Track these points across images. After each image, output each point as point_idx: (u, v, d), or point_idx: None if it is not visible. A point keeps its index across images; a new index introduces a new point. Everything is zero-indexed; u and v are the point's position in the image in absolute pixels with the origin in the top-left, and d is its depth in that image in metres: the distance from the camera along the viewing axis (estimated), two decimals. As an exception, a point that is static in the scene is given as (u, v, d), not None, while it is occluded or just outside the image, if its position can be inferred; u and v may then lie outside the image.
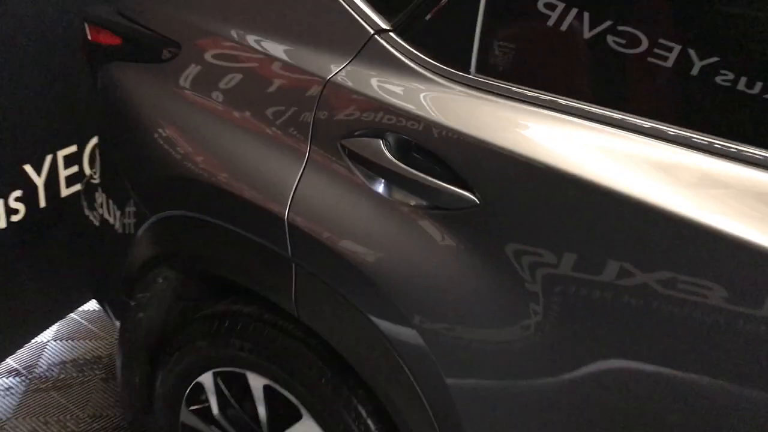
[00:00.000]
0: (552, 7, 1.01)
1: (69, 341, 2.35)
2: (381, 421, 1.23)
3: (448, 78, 1.08)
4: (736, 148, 0.89)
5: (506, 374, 1.06)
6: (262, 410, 1.39)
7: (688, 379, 0.91)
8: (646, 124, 0.94)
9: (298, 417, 1.33)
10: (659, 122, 0.94)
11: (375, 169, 1.11)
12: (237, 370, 1.39)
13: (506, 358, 1.05)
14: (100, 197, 1.67)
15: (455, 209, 1.04)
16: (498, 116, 1.03)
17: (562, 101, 1.00)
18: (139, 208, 1.49)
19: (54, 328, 2.38)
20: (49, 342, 2.34)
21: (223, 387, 1.45)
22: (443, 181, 1.04)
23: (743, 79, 0.90)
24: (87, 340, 2.36)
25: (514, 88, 1.04)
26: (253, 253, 1.25)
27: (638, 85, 1.01)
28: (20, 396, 2.11)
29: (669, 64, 0.93)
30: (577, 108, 0.99)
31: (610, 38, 0.97)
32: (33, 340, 2.29)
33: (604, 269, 0.93)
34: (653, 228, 0.90)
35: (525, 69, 1.06)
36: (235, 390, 1.45)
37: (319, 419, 1.28)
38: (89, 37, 1.57)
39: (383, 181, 1.10)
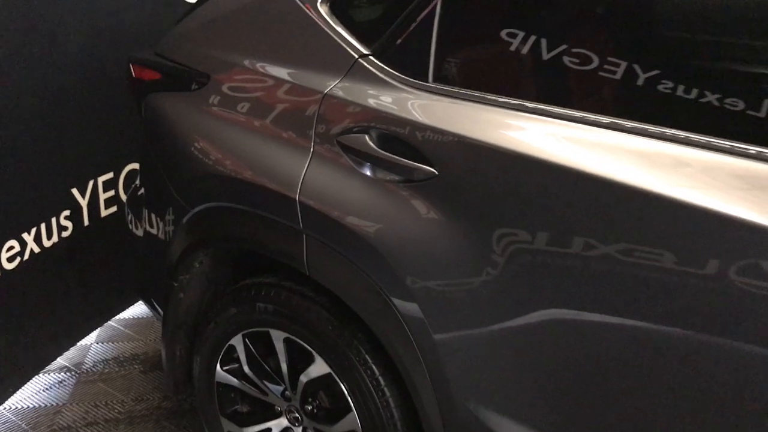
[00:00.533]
0: (482, 36, 1.42)
1: (110, 343, 2.71)
2: (378, 356, 1.59)
3: (412, 87, 1.48)
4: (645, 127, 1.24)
5: (472, 317, 1.42)
6: (282, 361, 1.76)
7: (611, 324, 1.25)
8: (553, 109, 1.33)
9: (311, 362, 1.70)
10: (567, 109, 1.32)
11: (362, 156, 1.50)
12: (262, 329, 1.76)
13: (471, 304, 1.42)
14: (144, 213, 2.07)
15: (422, 180, 1.42)
16: (448, 111, 1.42)
17: (495, 98, 1.40)
18: (177, 211, 1.88)
19: (96, 332, 2.74)
20: (92, 344, 2.70)
21: (251, 346, 1.82)
22: (411, 161, 1.43)
23: (630, 68, 1.29)
24: (125, 342, 2.73)
25: (459, 91, 1.43)
26: (272, 229, 1.63)
27: (555, 81, 1.41)
28: (72, 387, 2.47)
29: (582, 67, 1.32)
30: (503, 102, 1.38)
31: (524, 48, 1.37)
32: (79, 343, 2.66)
33: (535, 231, 1.30)
34: (572, 193, 1.26)
35: (467, 76, 1.46)
36: (261, 348, 1.82)
37: (327, 359, 1.65)
38: (134, 75, 1.98)
39: (369, 164, 1.49)
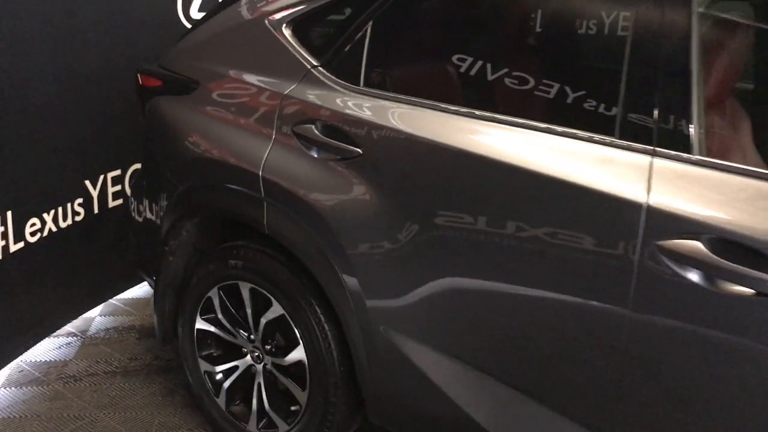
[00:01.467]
0: (397, 52, 1.94)
1: (111, 316, 3.20)
2: (320, 299, 2.07)
3: (348, 89, 1.99)
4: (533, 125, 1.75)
5: (388, 267, 1.90)
6: (248, 307, 2.25)
7: (502, 291, 1.73)
8: (448, 106, 1.83)
9: (269, 306, 2.18)
10: (459, 105, 1.82)
11: (310, 141, 2.00)
12: (233, 282, 2.25)
13: (387, 258, 1.90)
14: (144, 203, 2.58)
15: (351, 158, 1.93)
16: (371, 107, 1.93)
17: (407, 97, 1.90)
18: (170, 192, 2.38)
19: (100, 307, 3.23)
20: (96, 316, 3.19)
21: (224, 297, 2.30)
22: (343, 142, 1.93)
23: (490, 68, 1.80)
24: (125, 316, 3.21)
25: (381, 93, 1.94)
26: (241, 198, 2.13)
27: (448, 84, 1.92)
28: (77, 348, 2.95)
29: (468, 72, 1.83)
30: (413, 100, 1.89)
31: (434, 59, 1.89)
32: (84, 314, 3.14)
33: (434, 203, 1.79)
34: (463, 172, 1.74)
35: (387, 82, 1.98)
36: (232, 301, 2.30)
37: (282, 303, 2.14)
38: (140, 82, 2.51)
39: (315, 148, 2.00)
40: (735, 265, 1.40)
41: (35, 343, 2.90)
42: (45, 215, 2.81)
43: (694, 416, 1.52)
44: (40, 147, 2.73)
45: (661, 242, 1.48)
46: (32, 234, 2.75)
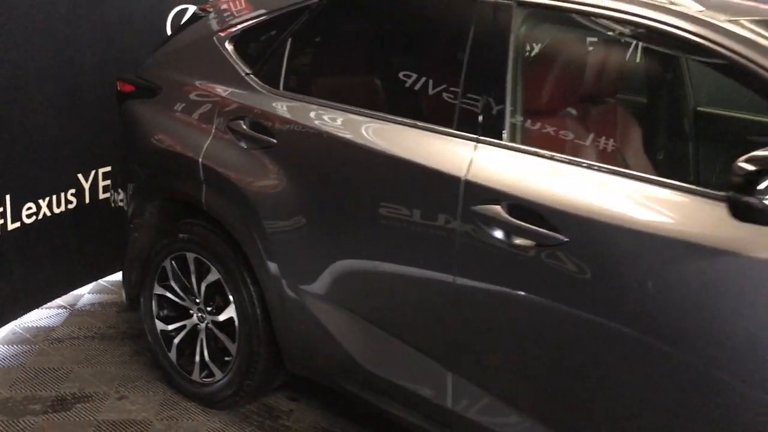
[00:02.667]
0: (309, 63, 2.45)
1: (98, 294, 3.73)
2: (247, 268, 2.56)
3: (271, 92, 2.50)
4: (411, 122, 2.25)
5: (295, 236, 2.39)
6: (192, 273, 2.75)
7: (374, 257, 2.21)
8: (345, 105, 2.33)
9: (209, 272, 2.68)
10: (351, 105, 2.31)
11: (240, 134, 2.51)
12: (182, 253, 2.76)
13: (298, 235, 2.39)
14: (122, 193, 3.11)
15: (270, 147, 2.43)
16: (286, 106, 2.44)
17: (315, 99, 2.41)
18: (137, 181, 2.91)
19: (89, 286, 3.76)
20: (85, 294, 3.72)
21: (175, 266, 2.81)
22: (262, 134, 2.44)
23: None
24: (110, 294, 3.74)
25: (296, 95, 2.45)
26: (185, 181, 2.65)
27: (346, 88, 2.42)
28: (65, 317, 3.48)
29: (358, 79, 2.33)
30: (319, 101, 2.39)
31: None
32: (75, 291, 3.67)
33: (330, 186, 2.29)
34: (348, 158, 2.23)
35: (300, 86, 2.48)
36: (181, 269, 2.81)
37: (218, 269, 2.63)
38: (119, 89, 3.05)
39: (243, 139, 2.51)
40: (522, 222, 1.86)
41: (28, 312, 3.43)
42: (41, 201, 3.36)
43: (509, 349, 1.98)
44: (40, 143, 3.27)
45: (473, 207, 1.95)
46: (28, 216, 3.30)
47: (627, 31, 1.97)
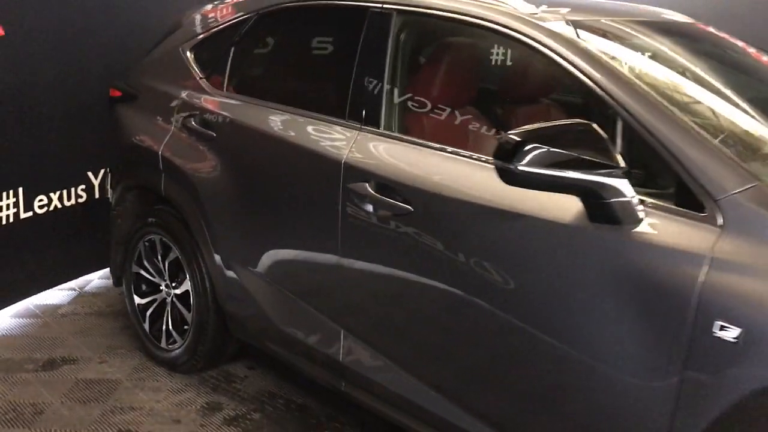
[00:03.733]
0: (247, 69, 2.87)
1: (106, 279, 4.23)
2: (198, 246, 2.99)
3: (219, 94, 2.93)
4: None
5: (231, 217, 2.80)
6: (159, 252, 3.19)
7: (288, 233, 2.60)
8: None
9: (171, 251, 3.12)
10: (282, 104, 2.71)
11: (190, 129, 2.95)
12: (151, 236, 3.21)
13: (234, 217, 2.80)
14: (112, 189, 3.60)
15: (211, 140, 2.86)
16: (225, 104, 2.86)
17: (249, 99, 2.82)
18: (118, 173, 3.38)
19: (99, 272, 4.27)
20: (95, 279, 4.23)
21: (147, 247, 3.26)
22: (206, 129, 2.87)
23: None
24: (116, 279, 4.24)
25: (236, 95, 2.87)
26: (149, 171, 3.10)
27: (278, 90, 2.82)
28: (72, 297, 3.99)
29: (288, 84, 2.73)
30: (253, 101, 2.79)
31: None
32: (86, 276, 4.19)
33: (257, 171, 2.69)
34: (266, 147, 2.63)
35: (240, 88, 2.90)
36: (152, 251, 3.26)
37: (177, 247, 3.07)
38: (110, 94, 3.55)
39: (193, 134, 2.94)
40: (382, 197, 2.21)
41: (41, 291, 3.95)
42: (51, 194, 3.87)
43: (383, 309, 2.32)
44: (52, 143, 3.78)
45: (349, 185, 2.30)
46: (40, 207, 3.82)
47: (472, 32, 2.29)
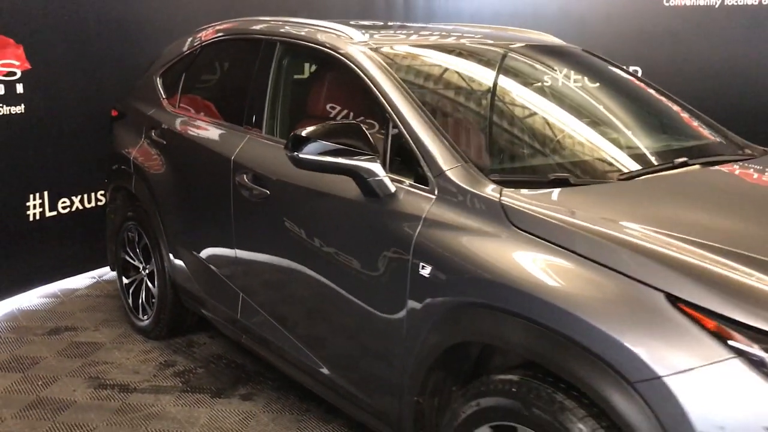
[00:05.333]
0: (194, 91, 3.66)
1: (121, 270, 5.10)
2: (158, 231, 3.78)
3: (172, 111, 3.73)
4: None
5: (177, 213, 3.58)
6: (135, 240, 4.00)
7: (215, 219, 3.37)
8: (225, 124, 3.49)
9: (142, 237, 3.93)
10: (217, 119, 3.48)
11: (152, 139, 3.76)
12: (131, 227, 4.03)
13: (176, 206, 3.57)
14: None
15: (164, 147, 3.65)
16: (174, 119, 3.65)
17: (195, 116, 3.60)
18: (110, 176, 4.23)
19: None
20: (108, 272, 5.12)
21: (129, 237, 4.08)
22: (161, 139, 3.67)
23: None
24: (129, 270, 5.11)
25: (184, 113, 3.66)
26: (125, 173, 3.93)
27: (214, 107, 3.59)
28: (91, 283, 4.87)
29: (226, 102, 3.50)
30: (192, 116, 3.57)
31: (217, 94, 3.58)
32: (101, 270, 5.07)
33: (190, 173, 3.46)
34: (197, 153, 3.39)
35: (188, 107, 3.69)
36: (132, 239, 4.07)
37: (146, 235, 3.87)
38: (112, 114, 4.42)
39: (155, 142, 3.75)
40: (254, 185, 2.92)
41: (65, 278, 4.86)
42: (74, 197, 4.79)
43: (263, 274, 3.02)
44: (74, 155, 4.67)
45: (237, 178, 3.03)
46: (63, 208, 4.74)
47: (322, 56, 2.97)
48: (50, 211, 4.67)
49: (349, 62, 2.71)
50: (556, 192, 2.19)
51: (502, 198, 2.12)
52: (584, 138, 2.75)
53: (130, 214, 4.00)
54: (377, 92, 2.56)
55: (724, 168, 2.61)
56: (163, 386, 3.52)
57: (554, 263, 1.91)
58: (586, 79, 3.18)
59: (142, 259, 3.99)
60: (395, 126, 2.45)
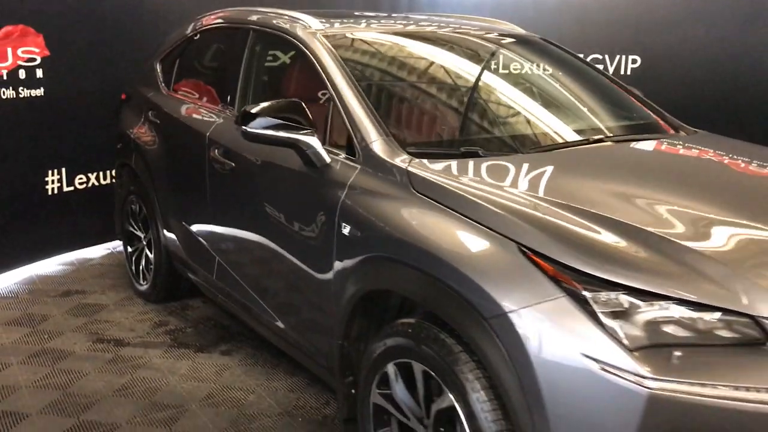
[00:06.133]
0: (186, 77, 4.04)
1: (134, 242, 5.54)
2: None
3: (166, 95, 4.12)
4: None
5: (169, 185, 3.97)
6: (138, 213, 4.42)
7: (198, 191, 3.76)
8: (206, 105, 3.87)
9: (142, 207, 4.33)
10: (202, 102, 3.85)
11: (149, 121, 4.15)
12: (133, 200, 4.44)
13: (169, 180, 3.97)
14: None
15: (157, 125, 4.04)
16: (168, 100, 4.04)
17: (181, 97, 3.98)
18: (117, 155, 4.65)
19: (103, 248, 5.58)
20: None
21: (132, 209, 4.49)
22: (157, 119, 4.06)
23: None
24: (142, 243, 5.54)
25: (177, 96, 4.04)
26: (127, 150, 4.34)
27: (203, 92, 3.96)
28: (106, 254, 5.32)
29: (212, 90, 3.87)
30: (181, 98, 3.96)
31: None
32: (114, 242, 5.51)
33: (179, 150, 3.84)
34: (185, 133, 3.77)
35: (181, 90, 4.07)
36: (134, 211, 4.48)
37: (144, 206, 4.27)
38: (122, 97, 4.84)
39: (153, 121, 4.14)
40: (223, 158, 3.28)
41: (83, 248, 5.32)
42: (90, 174, 5.23)
43: (233, 239, 3.39)
44: (91, 136, 5.11)
45: (211, 152, 3.39)
46: (80, 184, 5.19)
47: (284, 42, 3.30)
48: (67, 186, 5.11)
49: (303, 47, 3.05)
50: (458, 162, 2.50)
51: (408, 167, 2.43)
52: (504, 116, 3.05)
53: (132, 188, 4.41)
54: (323, 73, 2.89)
55: (639, 144, 2.87)
56: (153, 342, 3.92)
57: (440, 221, 2.22)
58: (532, 64, 3.45)
59: (142, 229, 4.39)
60: (335, 104, 2.78)
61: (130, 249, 4.58)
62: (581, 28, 5.93)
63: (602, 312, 1.82)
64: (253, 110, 2.71)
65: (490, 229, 2.08)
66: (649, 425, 1.73)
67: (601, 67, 5.76)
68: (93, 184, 5.25)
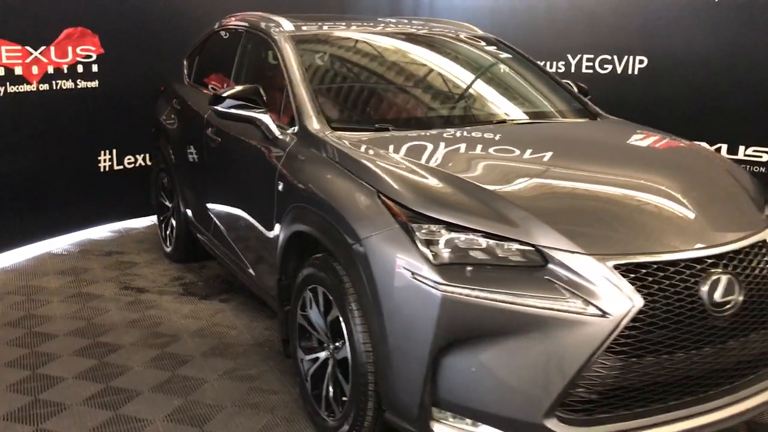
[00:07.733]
0: (203, 70, 4.87)
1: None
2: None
3: (187, 85, 4.95)
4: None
5: (186, 168, 4.80)
6: (165, 188, 5.27)
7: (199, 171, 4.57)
8: (209, 92, 4.68)
9: (166, 190, 5.18)
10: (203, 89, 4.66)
11: (173, 108, 4.99)
12: (162, 176, 5.29)
13: (186, 166, 4.79)
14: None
15: (178, 111, 4.88)
16: (189, 90, 4.86)
17: (198, 86, 4.80)
18: (153, 138, 5.52)
19: (147, 219, 6.46)
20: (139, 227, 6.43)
21: (161, 184, 5.35)
22: (178, 106, 4.89)
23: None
24: (181, 217, 6.42)
25: (195, 85, 4.87)
26: (158, 134, 5.19)
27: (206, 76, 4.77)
28: (149, 225, 6.22)
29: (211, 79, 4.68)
30: (199, 87, 4.77)
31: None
32: (147, 218, 6.40)
33: (187, 138, 4.66)
34: (191, 120, 4.57)
35: (198, 80, 4.89)
36: (164, 186, 5.33)
37: (169, 181, 5.12)
38: (161, 89, 5.71)
39: (174, 109, 4.98)
40: (214, 136, 4.06)
41: (131, 219, 6.23)
42: (138, 155, 6.14)
43: (227, 210, 4.17)
44: (139, 122, 6.01)
45: (206, 130, 4.18)
46: (129, 164, 6.10)
47: (262, 41, 4.04)
48: (117, 165, 6.03)
49: (275, 44, 3.79)
50: (368, 135, 3.18)
51: (325, 137, 3.13)
52: (426, 101, 3.70)
53: (162, 165, 5.26)
54: (283, 65, 3.62)
55: (530, 126, 3.51)
56: (168, 291, 4.74)
57: (335, 176, 2.91)
58: (469, 59, 4.09)
59: (169, 200, 5.24)
60: (288, 89, 3.51)
61: (161, 217, 5.43)
62: (592, 30, 6.42)
63: (420, 239, 2.48)
64: (223, 94, 3.46)
65: (363, 181, 2.76)
66: (443, 318, 2.37)
67: (609, 66, 6.30)
68: (140, 164, 6.15)
